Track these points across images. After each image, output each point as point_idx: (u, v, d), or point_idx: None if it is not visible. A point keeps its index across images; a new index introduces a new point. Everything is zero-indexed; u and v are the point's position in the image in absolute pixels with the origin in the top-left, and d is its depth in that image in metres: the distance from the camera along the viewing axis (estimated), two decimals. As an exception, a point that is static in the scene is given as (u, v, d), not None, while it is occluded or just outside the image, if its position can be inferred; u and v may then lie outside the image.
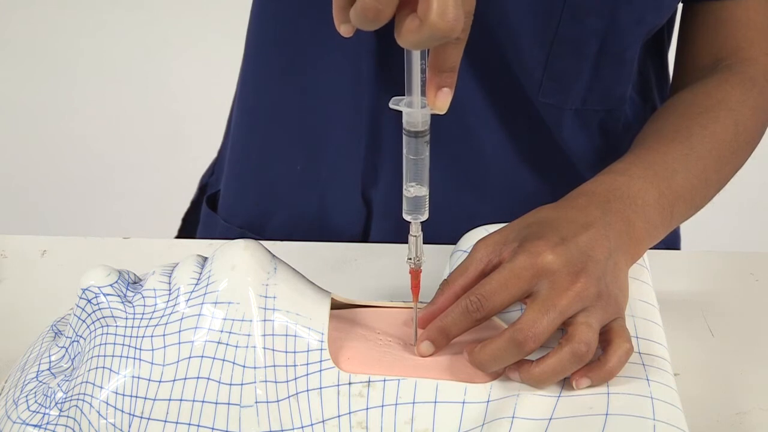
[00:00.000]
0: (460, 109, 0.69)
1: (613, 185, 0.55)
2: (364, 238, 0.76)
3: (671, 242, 0.83)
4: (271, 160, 0.78)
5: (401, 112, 0.47)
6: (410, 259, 0.51)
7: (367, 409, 0.48)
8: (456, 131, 0.71)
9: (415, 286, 0.52)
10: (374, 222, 0.76)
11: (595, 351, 0.49)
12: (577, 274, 0.48)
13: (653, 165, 0.57)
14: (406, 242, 0.51)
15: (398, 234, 0.72)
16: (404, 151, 0.48)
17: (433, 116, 0.71)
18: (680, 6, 0.71)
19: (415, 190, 0.48)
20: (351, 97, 0.72)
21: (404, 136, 0.47)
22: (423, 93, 0.45)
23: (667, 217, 0.57)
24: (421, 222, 0.50)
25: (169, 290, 0.51)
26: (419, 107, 0.46)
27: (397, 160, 0.73)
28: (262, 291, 0.49)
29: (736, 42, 0.67)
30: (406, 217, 0.49)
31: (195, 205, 0.91)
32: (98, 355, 0.49)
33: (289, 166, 0.77)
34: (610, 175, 0.56)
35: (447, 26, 0.40)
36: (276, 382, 0.48)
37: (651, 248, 0.58)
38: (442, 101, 0.45)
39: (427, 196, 0.49)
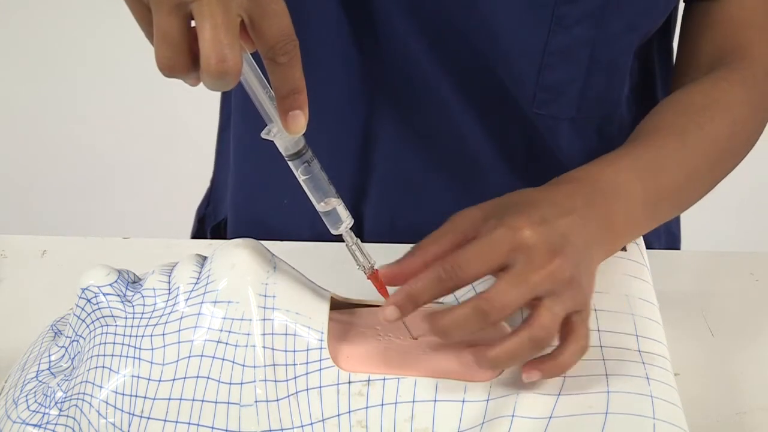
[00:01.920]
0: (452, 125, 0.69)
1: (598, 176, 0.54)
2: None
3: (671, 242, 0.83)
4: (259, 193, 0.78)
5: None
6: (360, 267, 0.51)
7: (366, 407, 0.48)
8: (451, 145, 0.71)
9: (381, 287, 0.52)
10: (366, 234, 0.76)
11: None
12: (553, 253, 0.48)
13: (642, 160, 0.57)
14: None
15: (393, 238, 0.73)
16: (296, 174, 0.48)
17: (428, 131, 0.71)
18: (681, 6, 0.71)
19: (329, 203, 0.48)
20: (337, 126, 0.72)
21: (288, 162, 0.47)
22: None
23: (651, 213, 0.56)
24: (350, 228, 0.50)
25: (169, 289, 0.51)
26: (276, 133, 0.47)
27: (387, 175, 0.73)
28: (262, 290, 0.49)
29: (736, 41, 0.66)
30: (335, 231, 0.50)
31: (197, 238, 0.91)
32: (98, 355, 0.49)
33: (277, 200, 0.77)
34: (598, 166, 0.56)
35: (219, 69, 0.40)
36: (276, 381, 0.48)
37: (651, 248, 0.58)
38: (294, 124, 0.45)
39: (341, 204, 0.49)
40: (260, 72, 0.46)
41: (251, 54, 0.45)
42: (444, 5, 0.63)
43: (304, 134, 0.47)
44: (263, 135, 0.47)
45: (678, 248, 0.85)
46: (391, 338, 0.52)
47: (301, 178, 0.48)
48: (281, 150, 0.47)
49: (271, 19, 0.43)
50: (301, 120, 0.45)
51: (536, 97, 0.67)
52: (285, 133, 0.46)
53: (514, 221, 0.48)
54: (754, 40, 0.66)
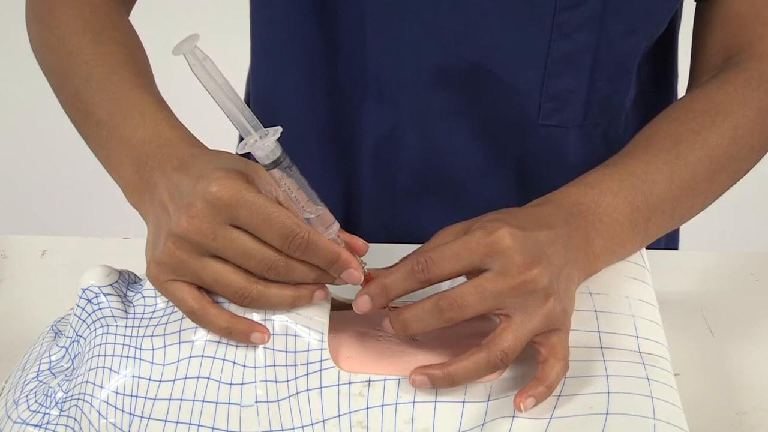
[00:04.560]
0: (448, 138, 0.69)
1: (580, 199, 0.54)
2: None
3: (669, 242, 0.83)
4: None
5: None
6: None
7: (367, 408, 0.48)
8: (445, 155, 0.70)
9: None
10: (361, 234, 0.76)
11: (533, 358, 0.49)
12: (530, 264, 0.47)
13: (631, 176, 0.55)
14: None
15: (388, 237, 0.72)
16: (278, 183, 0.47)
17: (424, 145, 0.71)
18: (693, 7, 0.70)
19: (317, 209, 0.48)
20: (332, 127, 0.71)
21: (270, 173, 0.47)
22: (255, 129, 0.46)
23: (641, 232, 0.55)
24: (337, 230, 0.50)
25: (170, 290, 0.51)
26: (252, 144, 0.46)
27: (383, 177, 0.73)
28: (263, 290, 0.49)
29: (745, 38, 0.64)
30: (325, 235, 0.49)
31: None
32: (98, 355, 0.49)
33: None
34: (581, 187, 0.55)
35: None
36: (276, 381, 0.48)
37: (651, 248, 0.58)
38: (351, 280, 0.49)
39: (325, 208, 0.49)
40: (231, 87, 0.45)
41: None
42: (443, 31, 0.63)
43: (280, 141, 0.46)
44: (239, 150, 0.46)
45: (677, 248, 0.85)
46: (392, 339, 0.52)
47: (282, 186, 0.48)
48: (259, 161, 0.47)
49: (265, 229, 0.46)
50: (354, 275, 0.49)
51: (542, 108, 0.66)
52: (261, 143, 0.46)
53: (493, 226, 0.48)
54: (764, 36, 0.64)
